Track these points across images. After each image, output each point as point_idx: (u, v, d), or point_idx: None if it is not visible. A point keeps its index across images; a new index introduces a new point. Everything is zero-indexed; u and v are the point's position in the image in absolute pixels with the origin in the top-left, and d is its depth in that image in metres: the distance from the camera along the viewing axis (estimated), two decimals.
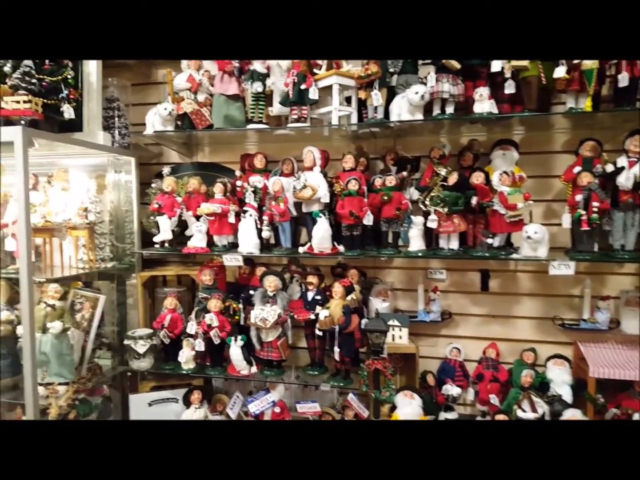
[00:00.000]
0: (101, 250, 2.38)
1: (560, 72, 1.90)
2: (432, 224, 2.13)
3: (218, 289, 2.43)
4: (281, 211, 2.23)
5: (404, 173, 2.31)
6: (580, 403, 2.09)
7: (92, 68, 2.27)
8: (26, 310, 1.93)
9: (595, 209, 1.93)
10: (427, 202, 2.15)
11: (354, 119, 2.21)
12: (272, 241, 2.33)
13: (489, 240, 2.11)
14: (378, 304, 2.39)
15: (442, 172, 2.16)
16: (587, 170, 2.02)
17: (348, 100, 2.24)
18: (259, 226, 2.27)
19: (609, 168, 1.98)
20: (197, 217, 2.35)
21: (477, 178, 2.13)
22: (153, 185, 2.51)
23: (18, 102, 1.95)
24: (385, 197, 2.17)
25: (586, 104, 1.92)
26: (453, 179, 2.12)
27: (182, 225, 2.43)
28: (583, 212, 1.95)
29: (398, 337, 2.34)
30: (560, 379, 2.16)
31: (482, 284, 2.43)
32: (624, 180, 1.94)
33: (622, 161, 1.98)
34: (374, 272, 2.56)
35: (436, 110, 2.10)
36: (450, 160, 2.28)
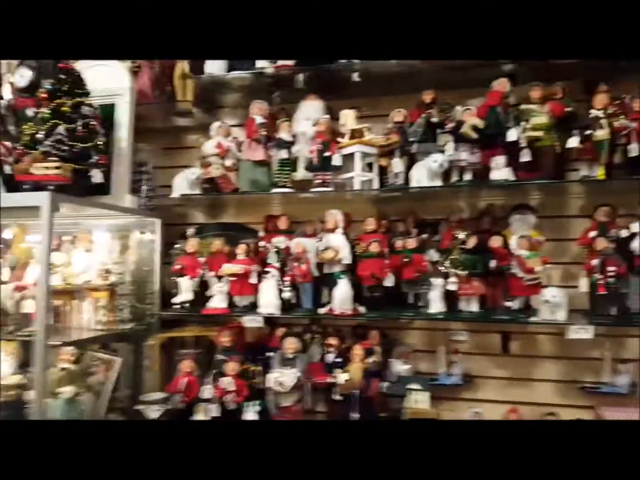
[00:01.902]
0: (120, 312, 2.35)
1: (573, 142, 2.03)
2: (452, 286, 2.17)
3: (237, 350, 2.39)
4: (303, 272, 2.26)
5: (424, 236, 2.38)
6: None
7: (123, 134, 2.36)
8: (39, 374, 1.87)
9: (611, 274, 1.99)
10: (446, 265, 2.20)
11: (375, 184, 2.30)
12: (294, 301, 2.34)
13: (508, 304, 2.15)
14: (399, 366, 2.37)
15: (461, 235, 2.22)
16: (602, 235, 2.11)
17: (370, 166, 2.34)
18: (280, 287, 2.28)
19: (623, 233, 2.07)
20: (219, 277, 2.36)
21: (495, 242, 2.21)
22: (176, 246, 2.54)
23: (47, 167, 1.98)
24: (406, 259, 2.22)
25: (599, 172, 2.03)
26: (472, 242, 2.18)
27: (204, 285, 2.43)
28: (600, 277, 2.01)
29: (419, 402, 2.30)
30: None
31: (503, 346, 2.44)
32: (638, 246, 2.02)
33: (635, 227, 2.06)
34: (396, 333, 2.55)
35: (454, 177, 2.20)
36: (468, 224, 2.35)
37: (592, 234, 2.14)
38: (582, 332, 2.02)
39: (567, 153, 2.07)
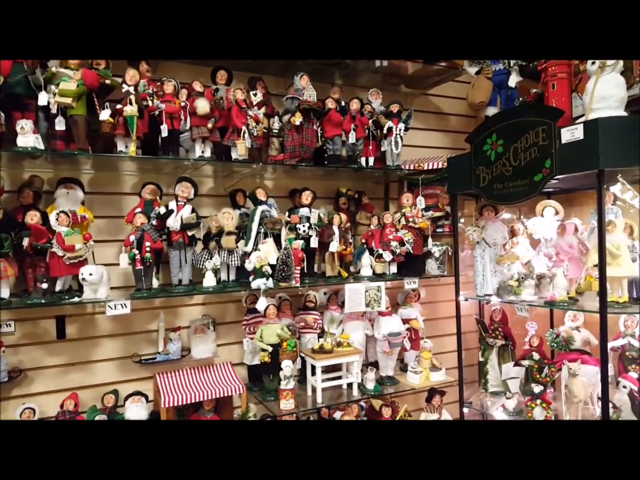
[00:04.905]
0: None
1: (104, 115, 1.97)
2: None
3: None
4: None
5: None
6: None
7: None
8: None
9: (147, 249, 2.07)
10: None
11: None
12: None
13: (44, 285, 1.96)
14: None
15: None
16: (147, 213, 2.17)
17: None
18: None
19: (162, 210, 2.17)
20: None
21: (31, 218, 1.98)
22: None
23: None
24: None
25: (131, 148, 2.05)
26: None
27: None
28: (137, 252, 2.06)
29: None
30: (136, 416, 2.18)
31: (58, 332, 2.25)
32: (173, 222, 2.16)
33: (172, 205, 2.20)
34: None
35: None
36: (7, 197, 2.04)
37: (138, 211, 2.18)
38: (120, 307, 2.04)
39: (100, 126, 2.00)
